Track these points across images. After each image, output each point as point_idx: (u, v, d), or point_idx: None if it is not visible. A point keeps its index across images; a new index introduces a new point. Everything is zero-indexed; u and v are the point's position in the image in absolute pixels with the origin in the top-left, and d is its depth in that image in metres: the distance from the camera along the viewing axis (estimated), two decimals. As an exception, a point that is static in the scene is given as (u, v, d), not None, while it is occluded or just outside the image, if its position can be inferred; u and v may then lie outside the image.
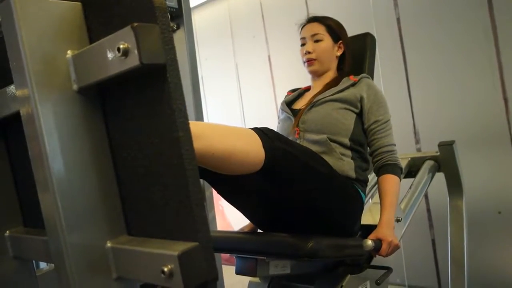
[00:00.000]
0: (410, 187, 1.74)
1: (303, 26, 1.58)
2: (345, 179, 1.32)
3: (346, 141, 1.38)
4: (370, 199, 1.78)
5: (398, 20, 2.27)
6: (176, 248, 0.50)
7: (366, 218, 1.44)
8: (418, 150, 2.24)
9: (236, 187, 1.12)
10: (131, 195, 0.60)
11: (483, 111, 2.06)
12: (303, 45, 1.55)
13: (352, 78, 1.49)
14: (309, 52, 1.51)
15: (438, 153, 1.86)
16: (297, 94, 1.64)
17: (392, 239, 1.23)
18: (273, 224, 1.29)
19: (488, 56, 2.03)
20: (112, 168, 0.60)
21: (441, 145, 1.85)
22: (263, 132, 1.02)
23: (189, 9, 1.74)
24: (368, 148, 1.48)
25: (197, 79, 1.75)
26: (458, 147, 1.82)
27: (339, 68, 1.59)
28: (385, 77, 2.34)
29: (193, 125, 0.87)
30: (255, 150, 0.97)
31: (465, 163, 1.89)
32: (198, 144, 0.86)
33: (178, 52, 1.74)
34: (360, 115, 1.44)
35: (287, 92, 1.68)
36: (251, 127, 1.03)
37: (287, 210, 1.19)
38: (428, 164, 1.86)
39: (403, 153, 2.05)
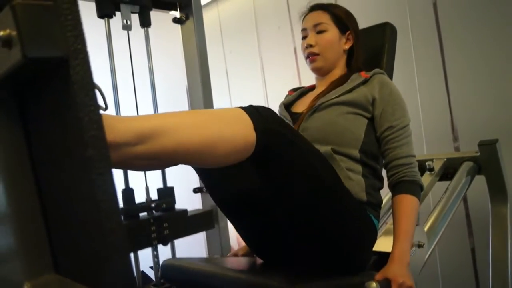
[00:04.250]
0: (445, 191, 1.55)
1: (305, 16, 1.33)
2: (355, 202, 1.07)
3: (356, 153, 1.14)
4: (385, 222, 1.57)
5: (435, 5, 2.05)
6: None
7: (382, 243, 1.21)
8: (456, 149, 2.02)
9: (225, 182, 0.98)
10: (57, 225, 0.47)
11: (532, 106, 1.82)
12: (304, 38, 1.30)
13: (363, 75, 1.23)
14: (310, 46, 1.27)
15: (479, 153, 1.65)
16: (298, 94, 1.39)
17: (404, 279, 0.97)
18: (268, 248, 1.11)
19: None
20: (35, 191, 0.48)
21: (482, 144, 1.64)
22: (256, 111, 0.82)
23: (198, -2, 1.61)
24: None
25: (208, 75, 1.61)
26: (501, 147, 1.61)
27: (348, 64, 1.33)
28: (420, 67, 2.12)
29: (159, 117, 0.75)
30: (243, 134, 0.78)
31: (509, 165, 1.66)
32: (167, 140, 0.71)
33: (187, 45, 1.63)
34: (373, 121, 1.19)
35: (288, 92, 1.46)
36: (243, 106, 0.83)
37: (281, 217, 1.00)
38: (466, 165, 1.66)
39: (439, 153, 1.85)
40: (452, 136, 2.04)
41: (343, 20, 1.29)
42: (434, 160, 1.73)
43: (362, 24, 1.52)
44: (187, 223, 1.49)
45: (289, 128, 0.91)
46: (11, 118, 0.47)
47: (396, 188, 1.14)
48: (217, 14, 3.15)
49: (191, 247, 2.17)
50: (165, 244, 1.40)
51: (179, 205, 1.51)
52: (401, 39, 2.13)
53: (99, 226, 0.37)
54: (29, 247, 0.47)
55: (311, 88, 1.40)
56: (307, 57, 1.29)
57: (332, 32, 1.27)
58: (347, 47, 1.31)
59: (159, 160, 0.76)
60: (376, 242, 1.16)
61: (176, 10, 1.64)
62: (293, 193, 0.93)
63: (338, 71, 1.31)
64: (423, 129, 2.13)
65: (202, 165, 0.87)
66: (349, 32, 1.30)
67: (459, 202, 1.55)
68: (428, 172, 1.69)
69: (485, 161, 1.64)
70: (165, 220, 1.39)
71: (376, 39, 1.46)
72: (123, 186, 1.39)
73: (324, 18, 1.28)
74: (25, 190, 0.47)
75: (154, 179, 1.49)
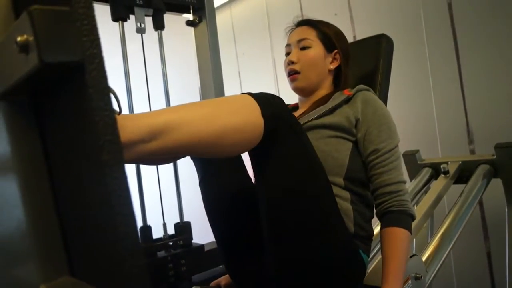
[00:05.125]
0: (460, 195, 1.53)
1: (291, 31, 1.26)
2: (344, 227, 1.00)
3: (340, 181, 1.04)
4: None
5: (450, 5, 2.03)
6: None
7: (373, 276, 1.12)
8: (472, 151, 1.99)
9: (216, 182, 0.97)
10: (72, 228, 0.48)
11: (550, 107, 1.79)
12: (287, 54, 1.22)
13: (347, 92, 1.14)
14: (292, 62, 1.18)
15: (495, 156, 1.63)
16: None
17: None
18: (249, 279, 1.08)
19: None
20: (50, 193, 0.48)
21: (499, 147, 1.61)
22: (265, 97, 0.81)
23: (211, 0, 1.61)
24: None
25: (220, 77, 1.62)
26: (518, 150, 1.58)
27: (337, 86, 1.24)
28: (434, 67, 2.10)
29: (170, 111, 0.75)
30: (251, 122, 0.78)
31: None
32: (179, 134, 0.72)
33: (200, 48, 1.64)
34: (358, 144, 1.10)
35: None
36: (253, 92, 0.83)
37: (266, 232, 0.95)
38: (482, 168, 1.64)
39: (454, 156, 1.83)
40: (467, 139, 2.01)
41: (331, 38, 1.20)
42: (449, 163, 1.71)
43: (376, 29, 1.51)
44: (204, 259, 1.48)
45: (298, 124, 0.90)
46: (27, 122, 0.47)
47: (384, 219, 1.04)
48: (230, 16, 3.16)
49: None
50: (182, 281, 1.40)
51: (195, 236, 1.51)
52: (415, 41, 2.12)
53: (114, 229, 0.37)
54: (44, 250, 0.47)
55: (295, 106, 1.32)
56: (288, 75, 1.21)
57: (316, 49, 1.19)
58: (332, 67, 1.21)
59: (172, 154, 0.77)
60: (369, 274, 1.10)
61: (189, 13, 1.65)
62: (287, 194, 0.89)
63: (323, 92, 1.21)
64: (438, 131, 2.10)
65: (212, 156, 0.87)
66: (336, 51, 1.21)
67: (474, 206, 1.53)
68: (443, 175, 1.67)
69: (502, 164, 1.61)
70: (182, 257, 1.39)
71: (370, 53, 1.38)
72: (140, 224, 1.40)
73: (309, 34, 1.20)
74: (40, 193, 0.48)
75: (171, 214, 1.51)
